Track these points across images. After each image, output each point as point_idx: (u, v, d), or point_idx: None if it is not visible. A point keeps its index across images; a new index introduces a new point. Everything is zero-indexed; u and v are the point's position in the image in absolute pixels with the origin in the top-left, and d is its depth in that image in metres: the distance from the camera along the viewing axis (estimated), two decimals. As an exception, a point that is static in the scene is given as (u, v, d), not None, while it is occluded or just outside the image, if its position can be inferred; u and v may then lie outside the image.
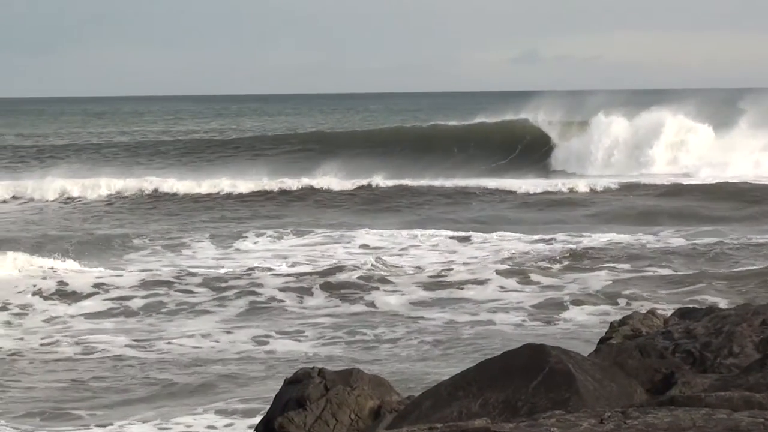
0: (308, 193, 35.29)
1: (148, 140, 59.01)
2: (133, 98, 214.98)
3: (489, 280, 19.48)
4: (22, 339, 16.34)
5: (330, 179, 36.67)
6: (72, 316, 17.88)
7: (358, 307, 18.12)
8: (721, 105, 43.29)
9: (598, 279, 19.49)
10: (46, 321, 17.64)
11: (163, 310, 18.22)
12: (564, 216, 29.82)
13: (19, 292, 19.20)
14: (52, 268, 20.66)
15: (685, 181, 36.06)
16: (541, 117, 45.48)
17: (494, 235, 24.93)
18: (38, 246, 23.87)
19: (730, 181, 35.28)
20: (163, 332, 16.60)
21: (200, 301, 18.61)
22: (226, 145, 51.15)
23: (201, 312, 18.06)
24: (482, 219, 29.51)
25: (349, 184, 35.89)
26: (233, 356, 15.03)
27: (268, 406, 8.10)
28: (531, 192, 34.22)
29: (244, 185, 35.96)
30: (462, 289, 19.04)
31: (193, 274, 20.13)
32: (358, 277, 19.67)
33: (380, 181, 36.05)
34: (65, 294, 19.11)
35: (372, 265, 20.51)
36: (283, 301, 18.55)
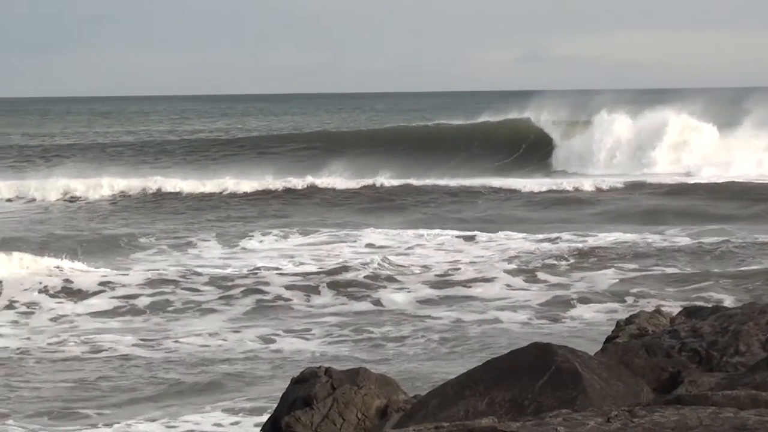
0: (314, 192, 35.29)
1: (153, 139, 59.08)
2: (137, 98, 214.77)
3: (496, 278, 19.50)
4: (29, 338, 16.37)
5: (335, 178, 36.67)
6: (79, 315, 17.91)
7: (365, 306, 18.13)
8: (725, 104, 43.24)
9: (605, 277, 19.50)
10: (53, 320, 17.68)
11: (170, 309, 18.25)
12: (570, 215, 29.80)
13: (25, 290, 19.23)
14: (58, 267, 20.64)
15: (690, 180, 36.04)
16: (545, 116, 45.47)
17: (500, 234, 24.91)
18: (44, 245, 23.86)
19: (736, 180, 35.25)
20: (169, 331, 16.62)
21: (207, 300, 18.62)
22: (231, 144, 51.17)
23: (208, 311, 18.09)
24: (488, 218, 29.50)
25: (354, 183, 35.89)
26: (240, 355, 15.04)
27: (275, 405, 8.11)
28: (536, 191, 34.18)
29: (249, 184, 35.93)
30: (469, 287, 19.05)
31: (200, 274, 20.14)
32: (365, 276, 19.69)
33: (385, 180, 36.02)
34: (71, 293, 19.13)
35: (378, 264, 20.51)
36: (289, 299, 18.56)
